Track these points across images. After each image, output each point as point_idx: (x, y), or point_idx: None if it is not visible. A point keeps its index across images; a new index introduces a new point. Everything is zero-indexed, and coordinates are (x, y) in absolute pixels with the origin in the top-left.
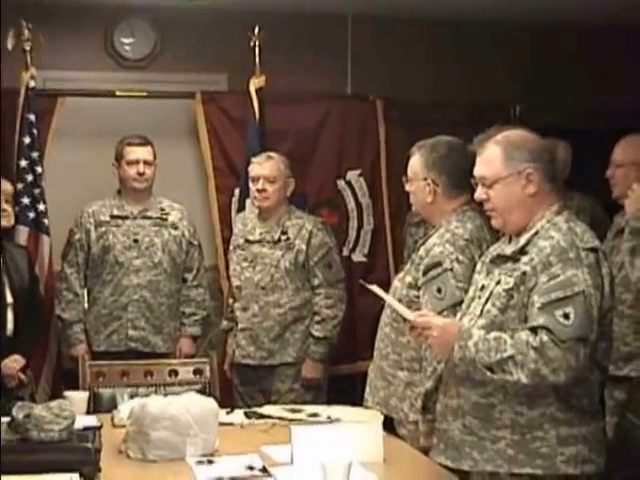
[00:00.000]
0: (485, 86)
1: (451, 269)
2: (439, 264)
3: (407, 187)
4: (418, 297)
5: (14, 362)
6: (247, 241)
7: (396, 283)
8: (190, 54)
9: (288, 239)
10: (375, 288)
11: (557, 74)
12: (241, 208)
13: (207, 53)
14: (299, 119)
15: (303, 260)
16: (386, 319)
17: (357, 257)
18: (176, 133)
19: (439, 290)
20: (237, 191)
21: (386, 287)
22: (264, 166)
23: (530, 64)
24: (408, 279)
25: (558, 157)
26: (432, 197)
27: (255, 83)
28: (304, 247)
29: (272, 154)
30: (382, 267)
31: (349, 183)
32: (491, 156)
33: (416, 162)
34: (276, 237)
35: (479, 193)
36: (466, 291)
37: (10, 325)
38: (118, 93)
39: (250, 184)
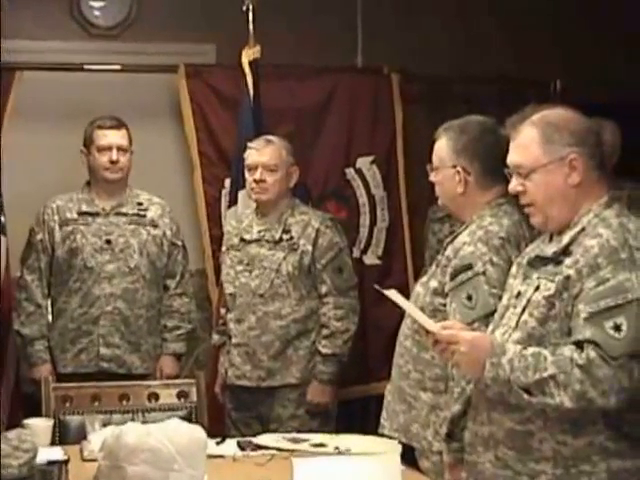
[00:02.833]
0: (520, 57)
1: (484, 273)
2: (470, 267)
3: (432, 177)
4: (445, 305)
5: None
6: (243, 241)
7: (418, 289)
8: (172, 20)
9: (291, 238)
10: (393, 294)
11: (605, 43)
12: (232, 202)
13: (192, 19)
14: (301, 97)
15: (309, 263)
16: (406, 331)
17: (370, 259)
18: (155, 114)
19: (469, 297)
20: (228, 182)
21: (405, 295)
22: (263, 152)
23: (573, 31)
24: (433, 284)
25: (605, 140)
26: (463, 188)
27: (249, 54)
28: (310, 248)
29: (272, 138)
30: (399, 271)
31: (359, 172)
32: (527, 140)
33: (443, 147)
34: (277, 236)
35: (514, 185)
36: (501, 298)
37: None
38: (86, 67)
39: (246, 174)
